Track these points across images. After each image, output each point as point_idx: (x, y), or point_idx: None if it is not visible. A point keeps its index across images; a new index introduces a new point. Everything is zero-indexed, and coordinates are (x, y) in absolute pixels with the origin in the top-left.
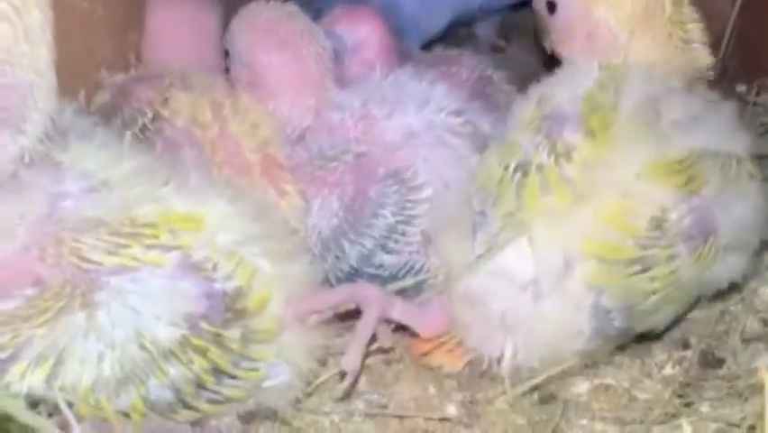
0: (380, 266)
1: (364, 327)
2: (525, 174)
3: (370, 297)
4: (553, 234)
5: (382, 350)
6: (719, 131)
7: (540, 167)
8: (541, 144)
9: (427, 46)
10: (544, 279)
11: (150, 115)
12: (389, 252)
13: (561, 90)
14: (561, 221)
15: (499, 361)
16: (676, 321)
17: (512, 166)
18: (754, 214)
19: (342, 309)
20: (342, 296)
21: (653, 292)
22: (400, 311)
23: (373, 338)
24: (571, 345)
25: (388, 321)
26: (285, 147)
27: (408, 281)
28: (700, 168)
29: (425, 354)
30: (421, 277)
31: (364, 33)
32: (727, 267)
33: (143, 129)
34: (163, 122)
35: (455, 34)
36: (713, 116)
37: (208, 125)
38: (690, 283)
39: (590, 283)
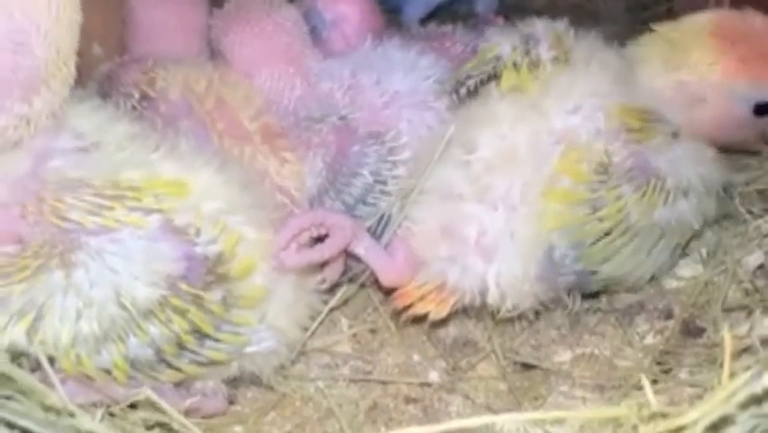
0: (360, 217)
1: (327, 246)
2: (499, 63)
3: (341, 223)
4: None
5: (368, 319)
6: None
7: (514, 63)
8: (518, 48)
9: (424, 22)
10: (515, 188)
11: (137, 96)
12: (368, 204)
13: (536, 24)
14: (526, 120)
15: (483, 293)
16: (660, 291)
17: (489, 56)
18: (696, 162)
19: (315, 234)
20: (314, 219)
21: (606, 233)
22: (366, 247)
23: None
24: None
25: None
26: (275, 115)
27: (369, 221)
28: (654, 126)
29: (410, 306)
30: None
31: (344, 9)
32: (680, 212)
33: (132, 111)
34: (152, 101)
35: (455, 11)
36: None
37: (204, 96)
38: (642, 225)
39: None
